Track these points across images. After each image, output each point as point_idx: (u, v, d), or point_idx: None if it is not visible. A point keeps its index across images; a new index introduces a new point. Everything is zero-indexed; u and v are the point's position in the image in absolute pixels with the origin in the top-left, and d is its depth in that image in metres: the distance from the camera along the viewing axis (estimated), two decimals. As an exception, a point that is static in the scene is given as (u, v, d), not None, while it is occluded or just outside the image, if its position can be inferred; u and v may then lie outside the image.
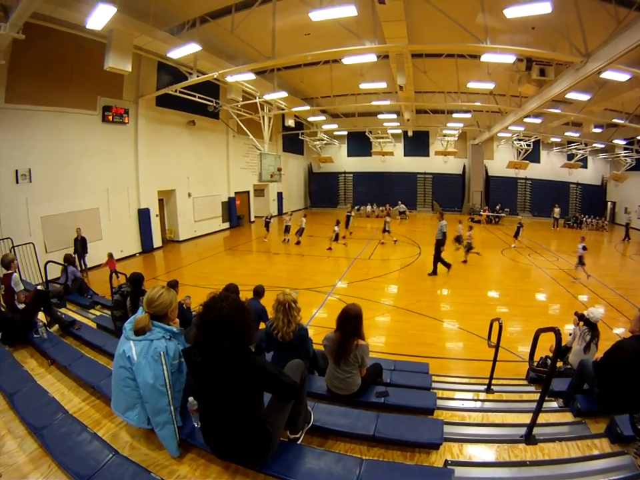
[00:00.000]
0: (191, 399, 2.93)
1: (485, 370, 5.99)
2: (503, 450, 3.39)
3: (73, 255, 10.86)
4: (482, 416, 4.31)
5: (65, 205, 13.19)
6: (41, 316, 5.52)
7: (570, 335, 5.87)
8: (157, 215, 17.84)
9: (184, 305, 6.62)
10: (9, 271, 6.15)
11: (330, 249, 17.97)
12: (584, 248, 14.33)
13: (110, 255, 12.49)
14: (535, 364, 5.38)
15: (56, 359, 4.36)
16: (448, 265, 14.36)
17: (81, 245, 13.08)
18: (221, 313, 2.39)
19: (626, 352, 3.98)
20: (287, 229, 19.89)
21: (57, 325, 5.63)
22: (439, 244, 14.08)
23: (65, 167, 13.16)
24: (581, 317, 5.72)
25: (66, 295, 8.40)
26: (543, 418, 3.79)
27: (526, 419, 3.69)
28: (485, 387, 5.51)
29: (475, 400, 5.15)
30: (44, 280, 9.43)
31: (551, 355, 5.63)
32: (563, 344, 5.55)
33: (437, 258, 14.18)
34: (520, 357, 7.86)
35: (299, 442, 3.07)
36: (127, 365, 2.76)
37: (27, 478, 2.58)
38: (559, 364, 5.73)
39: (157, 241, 17.95)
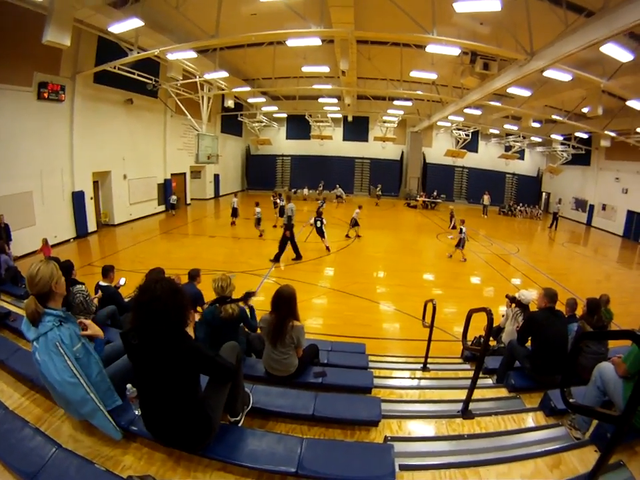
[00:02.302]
0: (129, 386, 2.88)
1: (421, 349, 6.20)
2: (441, 425, 3.56)
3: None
4: (419, 393, 4.48)
5: (-5, 189, 12.35)
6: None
7: (502, 316, 6.16)
8: (91, 198, 17.04)
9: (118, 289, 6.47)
10: None
11: (261, 235, 17.63)
12: (462, 231, 15.35)
13: (45, 241, 11.74)
14: (470, 343, 5.63)
15: (-8, 353, 4.13)
16: (278, 258, 13.70)
17: (4, 232, 12.24)
18: (156, 294, 2.38)
19: (537, 321, 4.64)
20: (235, 212, 19.40)
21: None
22: (287, 229, 13.66)
23: None
24: (513, 299, 6.01)
25: None
26: (479, 394, 3.99)
27: (462, 395, 3.86)
28: (421, 365, 5.72)
29: (412, 378, 5.33)
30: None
31: (483, 334, 5.91)
32: (496, 324, 5.84)
33: (293, 243, 13.96)
34: (454, 337, 8.18)
35: (239, 424, 3.10)
36: (40, 370, 2.64)
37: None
38: (493, 343, 6.02)
39: (92, 225, 17.17)
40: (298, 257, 13.96)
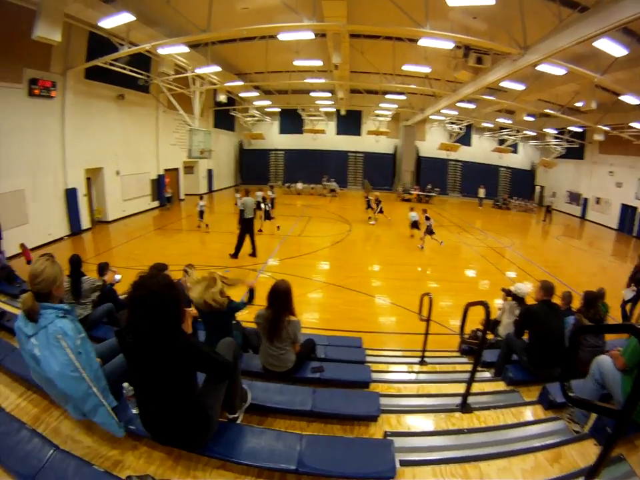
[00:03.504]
0: (125, 384, 2.85)
1: (418, 343, 6.23)
2: (440, 419, 3.56)
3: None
4: (417, 387, 4.49)
5: (-14, 188, 12.15)
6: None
7: (499, 309, 6.17)
8: (84, 195, 16.89)
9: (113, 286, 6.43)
10: None
11: (260, 230, 17.34)
12: (427, 218, 15.92)
13: (22, 246, 11.54)
14: (467, 336, 5.64)
15: (-13, 354, 4.08)
16: (237, 254, 13.42)
17: (-5, 231, 12.06)
18: (151, 289, 2.35)
19: (533, 314, 4.69)
20: (201, 214, 18.43)
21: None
22: (240, 222, 13.55)
23: None
24: (509, 293, 6.03)
25: (-7, 285, 7.83)
26: (477, 387, 4.00)
27: (460, 388, 3.87)
28: (419, 359, 5.71)
29: (410, 372, 5.33)
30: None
31: (480, 327, 5.93)
32: (493, 317, 5.84)
33: (251, 237, 13.67)
34: (451, 330, 8.21)
35: (238, 422, 3.09)
36: (37, 367, 2.59)
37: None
38: (490, 336, 6.03)
39: (86, 222, 17.04)
40: (253, 253, 13.64)
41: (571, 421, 3.36)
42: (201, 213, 18.13)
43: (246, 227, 13.40)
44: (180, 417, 2.49)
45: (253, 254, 13.56)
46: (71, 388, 2.54)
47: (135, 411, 2.85)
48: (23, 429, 2.71)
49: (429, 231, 15.84)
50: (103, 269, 6.44)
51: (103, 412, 2.66)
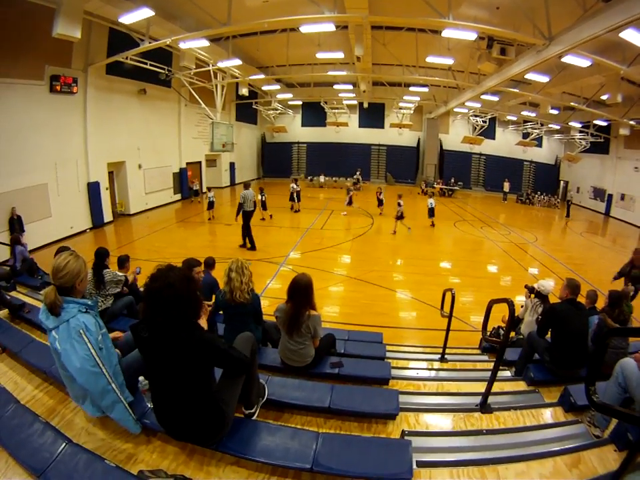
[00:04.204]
0: (141, 378, 2.85)
1: (438, 339, 6.14)
2: (459, 419, 3.48)
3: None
4: (437, 385, 4.40)
5: (10, 182, 12.33)
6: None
7: (522, 307, 6.04)
8: (107, 188, 17.15)
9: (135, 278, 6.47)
10: None
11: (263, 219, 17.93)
12: (399, 204, 16.40)
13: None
14: (488, 334, 5.52)
15: (6, 345, 4.14)
16: (254, 246, 13.57)
17: (18, 224, 12.29)
18: (168, 281, 2.33)
19: (558, 313, 4.50)
20: (211, 205, 18.93)
21: (6, 310, 5.35)
22: (239, 214, 13.57)
23: (9, 141, 12.23)
24: (532, 290, 5.89)
25: (15, 277, 7.89)
26: (497, 387, 3.91)
27: (480, 387, 3.78)
28: (439, 356, 5.63)
29: (430, 369, 5.25)
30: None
31: (502, 324, 5.81)
32: (515, 315, 5.72)
33: (248, 231, 13.69)
34: (472, 327, 8.08)
35: (254, 417, 3.06)
36: (59, 359, 2.61)
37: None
38: (512, 334, 5.90)
39: (108, 215, 17.30)
40: (252, 247, 13.61)
41: (591, 425, 3.25)
42: (211, 204, 18.70)
43: (246, 218, 13.48)
44: (195, 412, 2.47)
45: (252, 247, 13.59)
46: (90, 383, 2.54)
47: (149, 405, 2.85)
48: (36, 421, 2.72)
49: (399, 217, 16.50)
50: (123, 261, 6.49)
51: (121, 408, 2.66)
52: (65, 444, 2.47)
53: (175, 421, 2.56)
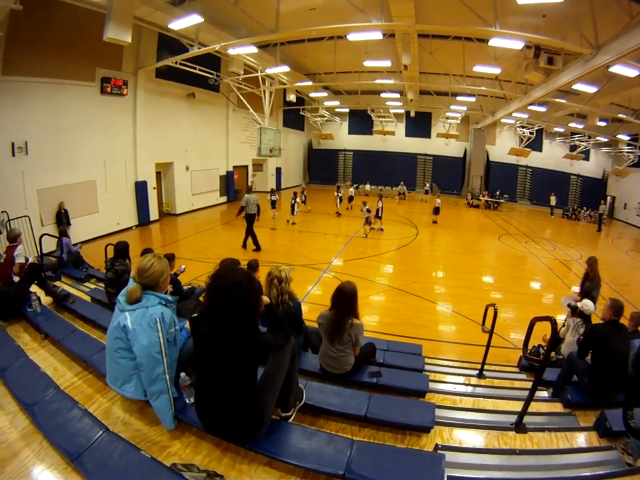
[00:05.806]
0: (182, 374, 2.91)
1: (477, 354, 6.02)
2: (493, 437, 3.40)
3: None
4: (473, 401, 4.32)
5: (61, 178, 12.96)
6: (39, 291, 5.41)
7: (563, 326, 5.87)
8: (154, 188, 17.68)
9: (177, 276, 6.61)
10: (14, 244, 5.98)
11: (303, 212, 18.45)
12: (368, 210, 17.04)
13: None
14: (528, 352, 5.39)
15: (49, 332, 4.31)
16: (258, 247, 13.64)
17: (65, 217, 12.83)
18: (235, 280, 2.42)
19: (600, 334, 4.38)
20: (274, 204, 19.03)
21: (51, 299, 5.56)
22: (243, 217, 13.71)
23: (62, 139, 12.89)
24: (574, 309, 5.71)
25: (61, 268, 8.25)
26: (533, 407, 3.80)
27: (516, 406, 3.70)
28: (477, 371, 5.52)
29: (467, 384, 5.15)
30: (39, 253, 9.29)
31: (543, 343, 5.66)
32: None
33: (251, 233, 13.78)
34: (512, 344, 7.87)
35: (290, 420, 3.07)
36: (122, 336, 2.75)
37: (18, 455, 2.55)
38: (552, 354, 5.74)
39: (154, 214, 17.83)
40: (257, 248, 13.62)
41: (624, 452, 3.12)
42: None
43: (249, 221, 13.63)
44: (237, 410, 2.51)
45: (257, 248, 13.64)
46: (149, 365, 2.69)
47: (187, 401, 2.91)
48: (75, 407, 2.82)
49: (369, 222, 17.07)
50: (169, 259, 6.63)
51: (165, 400, 2.76)
52: (102, 431, 2.55)
53: (215, 416, 2.61)
